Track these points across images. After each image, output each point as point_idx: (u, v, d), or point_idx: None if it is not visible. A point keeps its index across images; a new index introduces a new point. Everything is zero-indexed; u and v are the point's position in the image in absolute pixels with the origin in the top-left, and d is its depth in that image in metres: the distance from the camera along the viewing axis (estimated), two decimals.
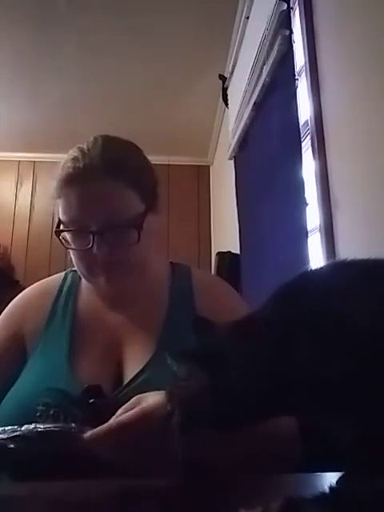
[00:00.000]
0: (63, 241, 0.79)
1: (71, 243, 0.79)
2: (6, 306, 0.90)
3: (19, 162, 4.10)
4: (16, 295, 0.92)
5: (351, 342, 0.33)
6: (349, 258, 0.40)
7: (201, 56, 2.68)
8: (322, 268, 0.43)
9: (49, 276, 0.95)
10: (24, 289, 0.93)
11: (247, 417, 0.38)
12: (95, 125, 2.68)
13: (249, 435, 0.64)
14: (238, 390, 0.36)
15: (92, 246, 0.75)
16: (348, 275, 0.38)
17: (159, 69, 2.82)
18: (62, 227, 0.79)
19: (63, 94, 3.11)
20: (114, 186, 0.76)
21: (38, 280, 0.95)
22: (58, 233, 0.79)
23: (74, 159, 0.77)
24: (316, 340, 0.34)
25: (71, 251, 0.80)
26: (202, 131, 3.61)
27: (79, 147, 0.80)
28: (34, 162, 4.09)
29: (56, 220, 0.81)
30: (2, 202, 4.04)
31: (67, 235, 0.79)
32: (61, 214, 0.78)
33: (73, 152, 0.79)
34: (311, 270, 0.41)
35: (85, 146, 0.79)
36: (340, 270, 0.39)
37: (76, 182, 0.76)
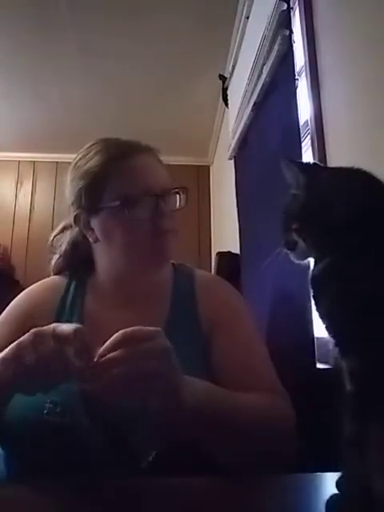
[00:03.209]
0: (127, 213, 0.80)
1: (133, 215, 0.80)
2: (7, 305, 0.89)
3: (19, 162, 4.10)
4: (16, 295, 0.92)
5: None
6: None
7: (201, 56, 2.68)
8: None
9: (49, 276, 0.95)
10: (24, 289, 0.93)
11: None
12: (95, 125, 2.69)
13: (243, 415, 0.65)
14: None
15: (159, 207, 0.81)
16: None
17: (159, 69, 2.82)
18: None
19: (63, 93, 3.11)
20: (157, 159, 0.89)
21: (38, 280, 0.95)
22: (130, 206, 0.80)
23: (115, 143, 0.87)
24: None
25: (123, 227, 0.82)
26: (202, 131, 3.61)
27: None
28: (34, 162, 4.09)
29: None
30: (2, 202, 4.04)
31: (128, 209, 0.81)
32: (121, 188, 0.81)
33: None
34: None
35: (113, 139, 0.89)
36: None
37: (128, 154, 0.83)
